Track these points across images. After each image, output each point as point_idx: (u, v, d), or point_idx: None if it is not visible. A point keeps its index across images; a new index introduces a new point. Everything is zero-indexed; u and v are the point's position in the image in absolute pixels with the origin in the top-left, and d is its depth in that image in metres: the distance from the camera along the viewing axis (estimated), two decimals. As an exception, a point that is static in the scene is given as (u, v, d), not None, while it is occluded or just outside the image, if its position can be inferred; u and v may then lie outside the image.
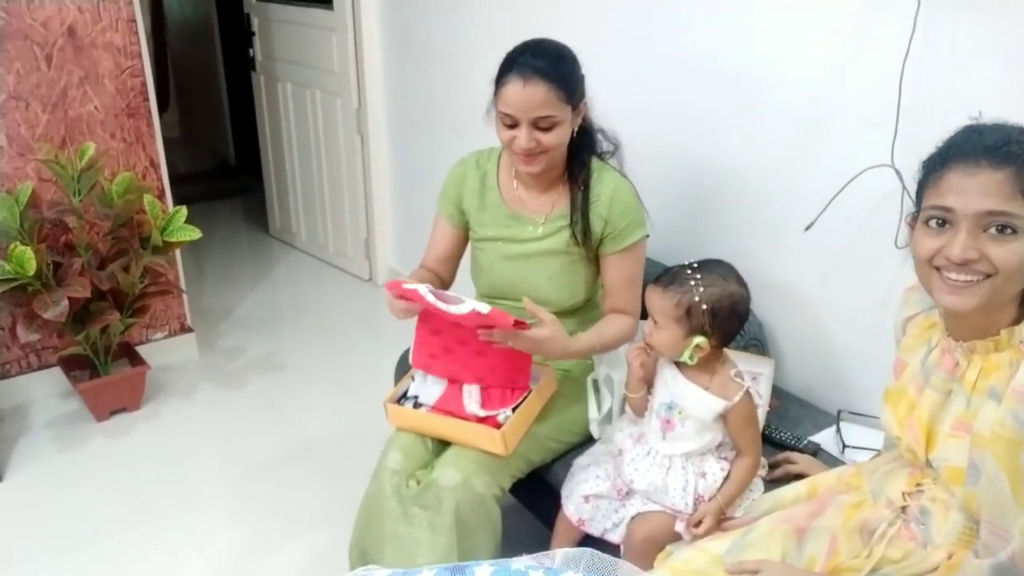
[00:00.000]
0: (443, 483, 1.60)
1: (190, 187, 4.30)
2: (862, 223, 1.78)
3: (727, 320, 1.44)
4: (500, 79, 1.61)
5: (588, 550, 0.78)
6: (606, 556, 0.76)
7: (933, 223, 1.10)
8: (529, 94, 1.57)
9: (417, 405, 1.72)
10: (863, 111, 1.72)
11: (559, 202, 1.75)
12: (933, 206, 1.09)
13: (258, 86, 3.95)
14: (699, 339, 1.44)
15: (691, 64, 2.07)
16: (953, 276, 1.08)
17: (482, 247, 1.84)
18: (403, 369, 2.04)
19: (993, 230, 1.05)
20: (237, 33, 4.16)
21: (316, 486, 2.38)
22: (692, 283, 1.43)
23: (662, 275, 1.49)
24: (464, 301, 1.53)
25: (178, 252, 2.93)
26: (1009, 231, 1.04)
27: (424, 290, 1.55)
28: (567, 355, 1.68)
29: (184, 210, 2.61)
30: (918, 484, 1.23)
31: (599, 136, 1.79)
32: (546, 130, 1.61)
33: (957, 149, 1.09)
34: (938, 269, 1.10)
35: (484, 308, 1.51)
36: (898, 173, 1.66)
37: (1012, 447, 1.03)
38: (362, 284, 3.75)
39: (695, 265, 1.46)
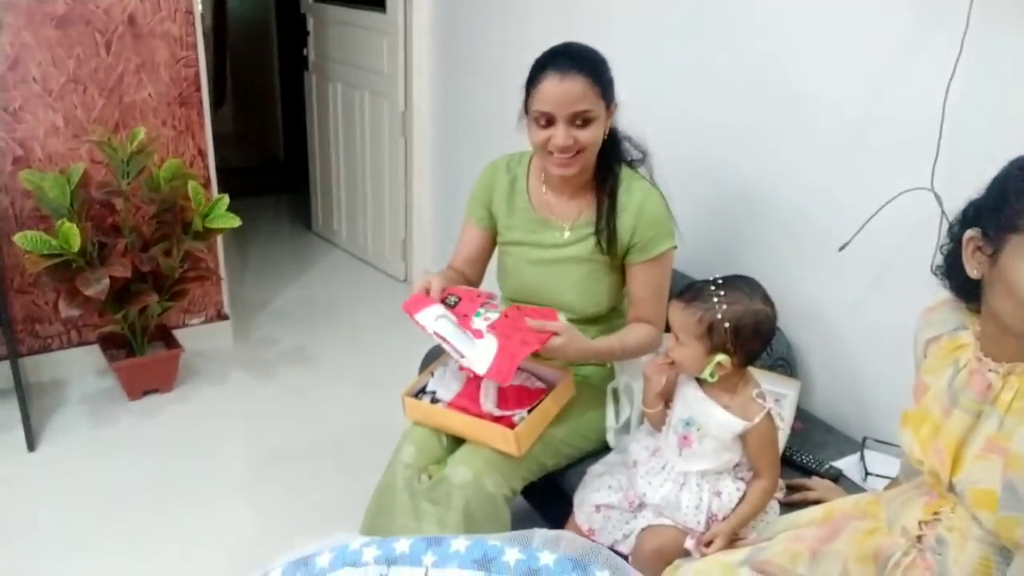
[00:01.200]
0: (454, 480, 1.60)
1: (240, 181, 4.35)
2: (898, 247, 1.74)
3: (750, 339, 1.41)
4: (534, 79, 1.62)
5: (566, 532, 0.77)
6: (582, 539, 0.75)
7: None
8: (568, 87, 1.57)
9: (435, 400, 1.73)
10: (905, 133, 1.69)
11: (586, 209, 1.75)
12: None
13: (310, 85, 4.03)
14: (721, 357, 1.41)
15: (733, 79, 2.05)
16: None
17: (508, 251, 1.84)
18: (427, 366, 2.05)
19: None
20: (293, 33, 4.25)
21: (336, 479, 2.40)
22: (715, 300, 1.40)
23: (685, 290, 1.46)
24: (464, 356, 1.54)
25: (219, 240, 3.00)
26: None
27: (431, 328, 1.56)
28: (586, 357, 1.67)
29: (226, 198, 2.67)
30: (935, 513, 1.19)
31: (627, 144, 1.78)
32: (582, 127, 1.60)
33: None
34: None
35: (481, 368, 1.52)
36: (937, 197, 1.62)
37: None
38: (397, 284, 3.78)
39: (719, 281, 1.42)
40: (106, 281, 2.40)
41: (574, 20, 2.56)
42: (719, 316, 1.39)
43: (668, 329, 1.59)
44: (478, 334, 1.60)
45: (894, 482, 1.50)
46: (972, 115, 1.56)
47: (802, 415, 1.91)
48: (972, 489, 1.11)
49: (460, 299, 1.66)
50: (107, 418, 2.66)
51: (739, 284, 1.43)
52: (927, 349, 1.27)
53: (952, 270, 1.21)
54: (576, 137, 1.61)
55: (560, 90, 1.57)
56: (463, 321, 1.61)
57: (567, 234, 1.75)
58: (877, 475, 1.69)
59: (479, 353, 1.54)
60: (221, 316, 3.14)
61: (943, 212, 1.62)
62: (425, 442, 1.70)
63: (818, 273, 1.92)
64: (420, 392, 1.76)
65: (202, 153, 2.86)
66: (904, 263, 1.74)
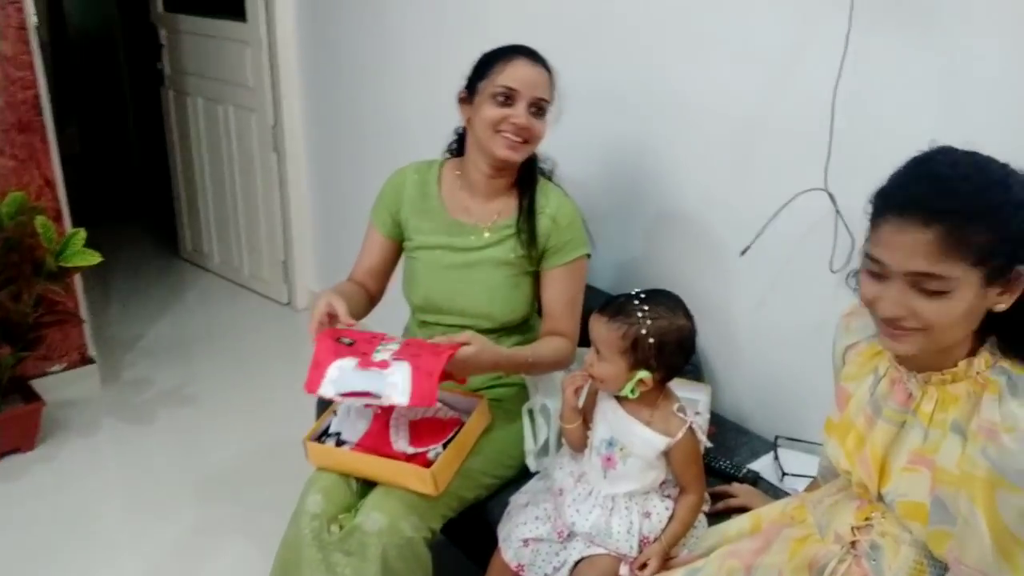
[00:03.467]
0: (367, 528, 1.48)
1: (95, 207, 4.04)
2: (796, 247, 1.76)
3: (673, 355, 1.38)
4: (500, 58, 1.63)
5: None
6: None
7: (872, 270, 1.05)
8: (538, 73, 1.63)
9: (340, 443, 1.60)
10: (796, 134, 1.70)
11: (505, 211, 1.72)
12: (869, 255, 1.05)
13: (167, 101, 3.76)
14: (643, 373, 1.37)
15: (618, 88, 2.03)
16: (890, 327, 1.05)
17: (417, 256, 1.76)
18: (326, 402, 1.91)
19: (924, 288, 1.00)
20: (144, 45, 3.96)
21: (231, 529, 2.21)
22: (639, 315, 1.36)
23: (607, 304, 1.41)
24: (381, 396, 1.44)
25: (78, 277, 2.73)
26: (940, 292, 0.99)
27: (337, 397, 1.48)
28: (499, 366, 1.59)
29: (82, 233, 2.42)
30: (867, 518, 1.19)
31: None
32: (536, 116, 1.64)
33: (892, 197, 1.02)
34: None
35: (403, 398, 1.42)
36: (831, 197, 1.65)
37: (987, 487, 1.00)
38: (280, 309, 3.58)
39: (642, 296, 1.39)
40: (-55, 335, 2.12)
41: (450, 27, 2.47)
42: (644, 331, 1.35)
43: (585, 343, 1.54)
44: (384, 364, 1.48)
45: (814, 482, 1.51)
46: (860, 114, 1.59)
47: (712, 418, 1.91)
48: (901, 502, 1.11)
49: (355, 340, 1.53)
50: (-41, 488, 2.36)
51: (661, 299, 1.40)
52: (845, 356, 1.26)
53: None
54: (531, 123, 1.62)
55: (531, 73, 1.62)
56: (364, 360, 1.48)
57: (487, 235, 1.71)
58: (794, 474, 1.70)
59: (394, 385, 1.43)
60: (85, 360, 2.85)
61: (837, 211, 1.65)
62: (333, 489, 1.57)
63: (719, 276, 1.92)
64: (323, 434, 1.63)
65: (50, 183, 2.58)
66: (802, 261, 1.76)
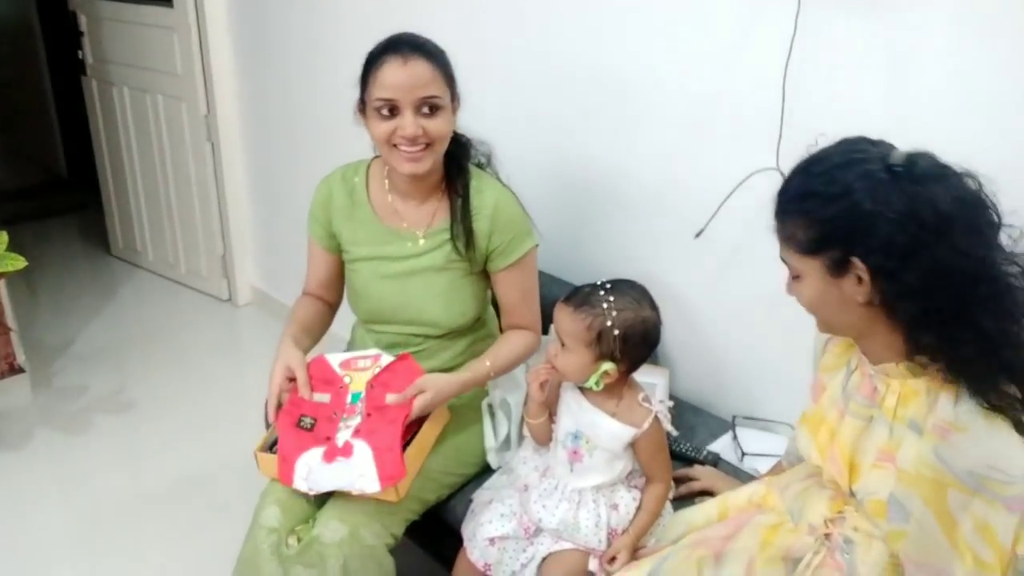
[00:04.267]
0: (327, 538, 1.43)
1: (15, 205, 3.85)
2: (748, 227, 1.75)
3: (638, 347, 1.35)
4: (372, 66, 1.48)
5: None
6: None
7: None
8: (412, 71, 1.44)
9: (293, 451, 1.54)
10: (747, 114, 1.69)
11: (439, 214, 1.63)
12: None
13: (90, 91, 3.57)
14: (607, 365, 1.34)
15: (565, 69, 1.98)
16: None
17: (356, 268, 1.68)
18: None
19: (791, 273, 1.11)
20: (63, 34, 3.75)
21: (178, 542, 2.13)
22: (605, 306, 1.33)
23: (573, 294, 1.38)
24: (353, 488, 1.44)
25: (2, 282, 2.58)
26: (796, 278, 1.10)
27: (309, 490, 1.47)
28: (462, 391, 1.58)
29: (4, 236, 2.28)
30: (840, 511, 1.18)
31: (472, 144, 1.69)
32: (430, 115, 1.47)
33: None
34: None
35: (374, 486, 1.43)
36: (783, 176, 1.63)
37: (938, 488, 0.99)
38: (221, 305, 3.46)
39: (608, 286, 1.36)
40: None
41: (388, 7, 2.39)
42: (609, 323, 1.32)
43: (545, 330, 1.51)
44: (347, 450, 1.47)
45: (778, 464, 1.51)
46: (810, 93, 1.58)
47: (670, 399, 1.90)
48: (870, 500, 1.11)
49: (316, 420, 1.52)
50: None
51: (627, 289, 1.37)
52: (827, 347, 1.26)
53: None
54: (425, 127, 1.47)
55: (403, 74, 1.44)
56: (330, 449, 1.47)
57: (422, 242, 1.62)
58: (754, 454, 1.71)
59: (362, 476, 1.43)
60: (14, 369, 2.71)
61: (790, 190, 1.63)
62: (289, 500, 1.50)
63: (673, 258, 1.91)
64: (275, 444, 1.56)
65: (-35, 184, 2.43)
66: (753, 241, 1.74)
